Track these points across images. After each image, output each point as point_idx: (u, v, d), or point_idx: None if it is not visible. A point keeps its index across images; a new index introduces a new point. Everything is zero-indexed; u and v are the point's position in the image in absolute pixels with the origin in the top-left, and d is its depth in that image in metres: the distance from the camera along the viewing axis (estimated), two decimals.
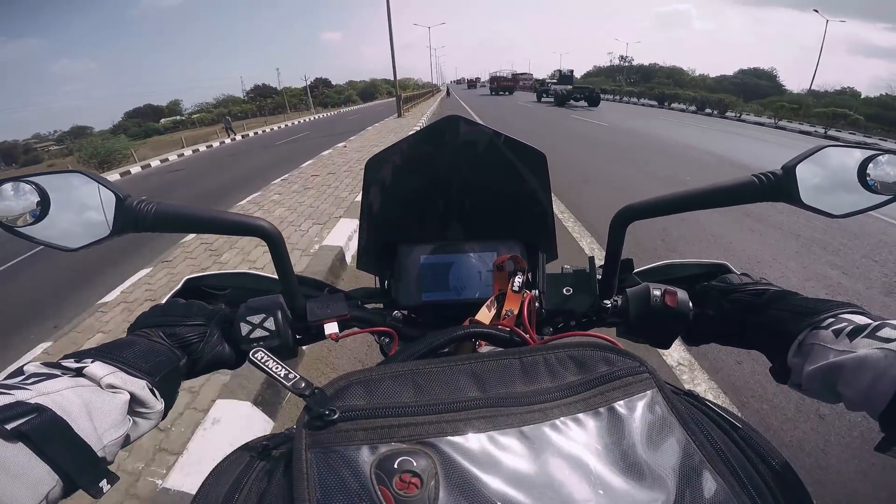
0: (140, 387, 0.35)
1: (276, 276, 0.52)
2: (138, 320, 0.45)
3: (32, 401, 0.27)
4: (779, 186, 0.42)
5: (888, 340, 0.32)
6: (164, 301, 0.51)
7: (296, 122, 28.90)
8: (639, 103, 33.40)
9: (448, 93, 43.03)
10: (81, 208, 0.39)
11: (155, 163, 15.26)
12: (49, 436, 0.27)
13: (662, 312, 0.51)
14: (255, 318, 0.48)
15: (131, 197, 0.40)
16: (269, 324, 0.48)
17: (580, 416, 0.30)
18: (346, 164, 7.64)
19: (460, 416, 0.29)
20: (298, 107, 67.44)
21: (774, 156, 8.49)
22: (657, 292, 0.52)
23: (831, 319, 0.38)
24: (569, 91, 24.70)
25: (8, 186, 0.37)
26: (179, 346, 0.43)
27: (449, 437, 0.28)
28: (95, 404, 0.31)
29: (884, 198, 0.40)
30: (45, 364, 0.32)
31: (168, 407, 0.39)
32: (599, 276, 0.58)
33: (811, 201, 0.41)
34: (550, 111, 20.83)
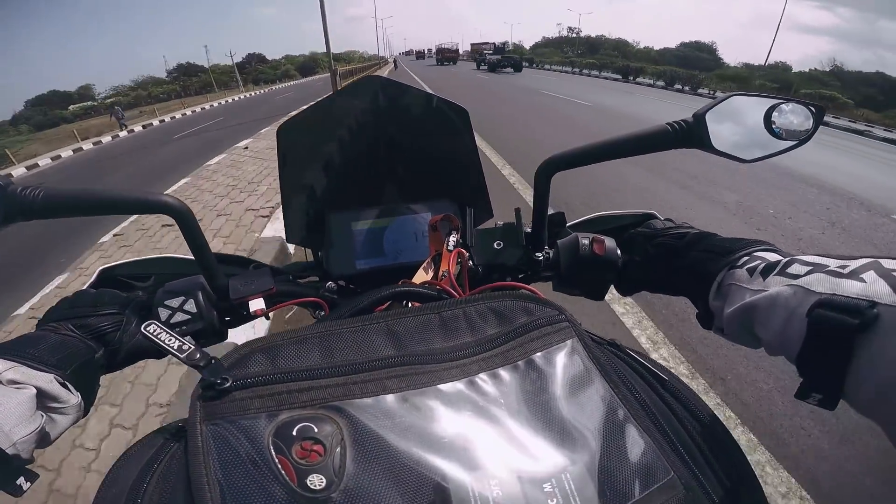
0: (47, 381, 0.33)
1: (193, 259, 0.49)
2: (46, 315, 0.42)
3: None
4: (690, 133, 0.43)
5: (796, 276, 0.31)
6: (73, 294, 0.46)
7: (215, 105, 24.92)
8: (600, 76, 30.73)
9: (395, 65, 40.86)
10: None
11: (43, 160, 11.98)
12: None
13: (591, 261, 0.51)
14: (174, 302, 0.44)
15: (14, 183, 0.37)
16: (190, 306, 0.45)
17: (500, 370, 0.29)
18: (234, 189, 4.62)
19: (371, 376, 0.28)
20: (229, 84, 61.08)
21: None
22: (585, 241, 0.52)
23: (746, 258, 0.37)
24: (498, 60, 30.54)
25: None
26: (93, 338, 0.40)
27: (357, 400, 0.27)
28: None
29: (788, 143, 0.42)
30: None
31: (88, 401, 0.37)
32: (529, 230, 0.57)
33: (722, 147, 0.42)
34: (486, 77, 24.00)
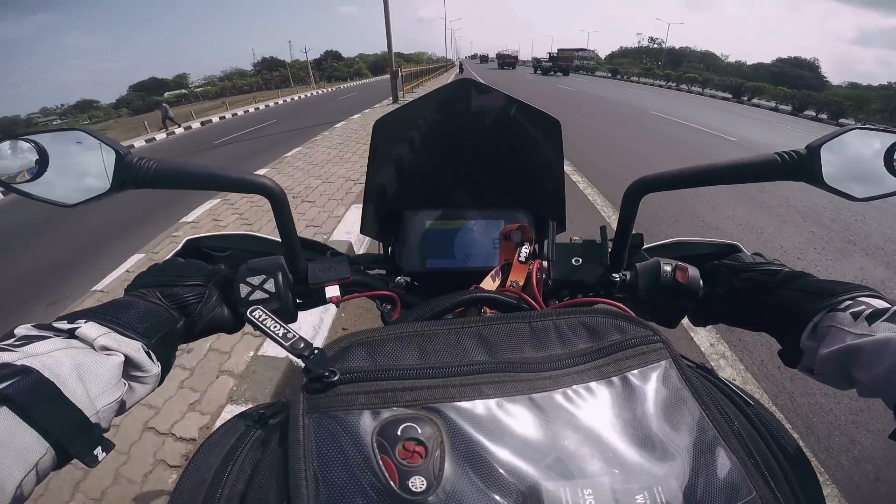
0: (135, 349, 0.33)
1: (279, 239, 0.50)
2: (135, 281, 0.43)
3: (19, 362, 0.25)
4: (802, 166, 0.40)
5: None
6: (163, 262, 0.48)
7: (279, 102, 24.60)
8: (703, 94, 25.26)
9: (461, 68, 39.63)
10: (80, 165, 0.38)
11: None
12: (36, 399, 0.25)
13: (672, 288, 0.50)
14: (255, 280, 0.46)
15: (131, 154, 0.39)
16: (269, 285, 0.45)
17: (592, 384, 0.29)
18: None
19: (468, 380, 0.28)
20: (305, 80, 63.15)
21: None
22: (668, 268, 0.50)
23: (849, 302, 0.37)
24: (550, 66, 38.20)
25: (6, 144, 0.37)
26: (177, 307, 0.41)
27: (456, 403, 0.27)
28: (88, 366, 0.29)
29: None
30: (36, 326, 0.31)
31: (165, 371, 0.38)
32: (609, 249, 0.56)
33: (833, 182, 0.40)
34: (540, 78, 30.77)
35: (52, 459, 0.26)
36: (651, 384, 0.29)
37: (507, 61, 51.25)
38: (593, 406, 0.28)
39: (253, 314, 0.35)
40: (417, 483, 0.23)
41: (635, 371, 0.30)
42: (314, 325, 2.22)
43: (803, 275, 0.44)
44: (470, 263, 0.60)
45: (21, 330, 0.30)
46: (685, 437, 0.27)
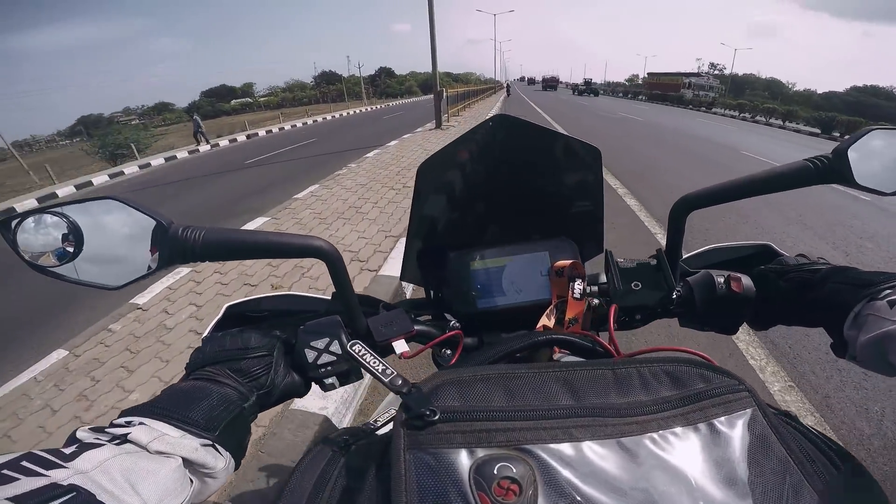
0: (192, 449, 0.31)
1: (320, 296, 0.53)
2: (196, 359, 0.42)
3: (67, 481, 0.24)
4: (832, 169, 0.43)
5: None
6: (206, 332, 0.48)
7: (327, 118, 24.52)
8: (784, 127, 20.60)
9: (508, 91, 39.34)
10: (120, 239, 0.36)
11: (99, 179, 11.17)
12: None
13: (728, 299, 0.50)
14: (319, 343, 0.45)
15: (175, 223, 0.37)
16: (335, 347, 0.45)
17: (679, 429, 0.29)
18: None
19: (558, 423, 0.29)
20: (359, 95, 65.03)
21: None
22: (720, 279, 0.51)
23: (888, 290, 0.39)
24: (583, 89, 46.91)
25: (30, 221, 0.33)
26: (248, 382, 0.40)
27: (547, 445, 0.27)
28: (142, 474, 0.28)
29: None
30: (93, 430, 0.30)
31: (238, 456, 0.37)
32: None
33: (864, 181, 0.43)
34: (575, 98, 37.91)
35: None
36: (738, 430, 0.29)
37: (549, 84, 60.21)
38: (681, 450, 0.28)
39: (353, 349, 0.40)
40: None
41: (722, 418, 0.30)
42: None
43: (846, 269, 0.46)
44: (521, 298, 0.59)
45: (80, 434, 0.29)
46: (773, 482, 0.27)
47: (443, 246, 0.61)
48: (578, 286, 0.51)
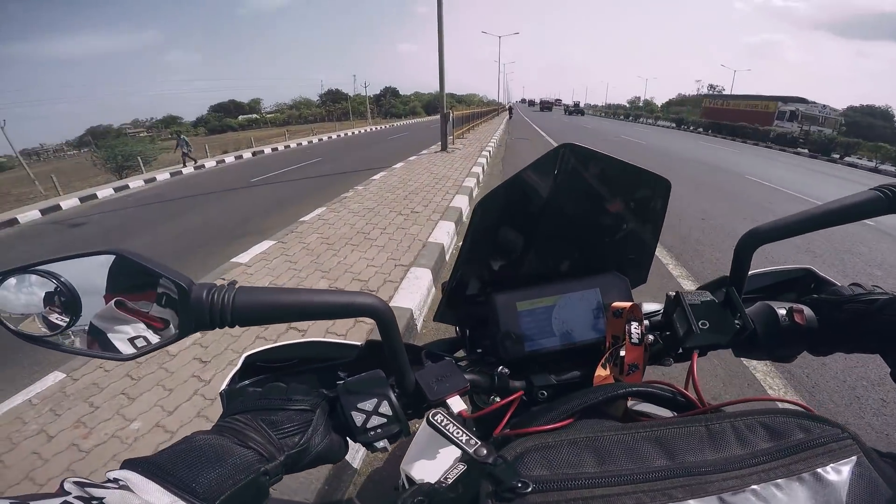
0: None
1: (349, 342, 0.51)
2: (231, 404, 0.39)
3: None
4: None
5: None
6: (225, 384, 0.44)
7: (332, 137, 24.85)
8: (784, 150, 20.14)
9: (510, 113, 39.07)
10: (127, 303, 0.31)
11: (105, 192, 11.13)
12: None
13: (791, 330, 0.50)
14: (367, 405, 0.41)
15: (195, 284, 0.31)
16: (385, 408, 0.42)
17: (781, 482, 0.28)
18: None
19: (656, 486, 0.28)
20: (364, 114, 66.16)
21: None
22: (782, 311, 0.51)
23: None
24: (572, 109, 56.80)
25: (12, 281, 0.28)
26: (281, 438, 0.36)
27: None
28: None
29: None
30: (80, 484, 0.27)
31: None
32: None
33: None
34: (565, 117, 42.73)
35: None
36: (844, 478, 0.28)
37: (545, 106, 67.52)
38: (787, 502, 0.27)
39: (435, 418, 0.38)
40: None
41: (827, 467, 0.29)
42: None
43: None
44: (569, 340, 0.56)
45: (68, 486, 0.27)
46: None
47: (486, 286, 0.58)
48: (636, 330, 0.49)
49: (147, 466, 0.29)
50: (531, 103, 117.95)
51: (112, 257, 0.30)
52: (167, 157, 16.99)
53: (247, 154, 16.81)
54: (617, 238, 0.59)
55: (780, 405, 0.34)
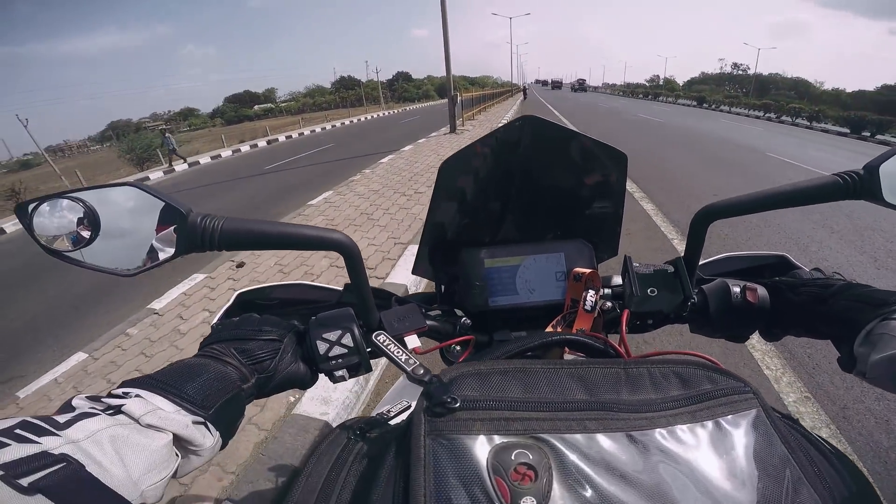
0: (184, 425, 0.31)
1: (331, 286, 0.53)
2: (210, 336, 0.43)
3: (58, 450, 0.25)
4: (862, 186, 0.43)
5: None
6: (216, 319, 0.49)
7: (345, 123, 24.96)
8: (812, 127, 19.22)
9: (525, 94, 38.47)
10: (137, 226, 0.35)
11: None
12: (71, 489, 0.24)
13: (742, 308, 0.51)
14: (331, 335, 0.45)
15: (194, 212, 0.36)
16: (347, 340, 0.45)
17: (686, 426, 0.31)
18: None
19: (572, 415, 0.30)
20: (377, 100, 65.82)
21: None
22: (736, 289, 0.52)
23: None
24: (576, 87, 69.81)
25: (46, 206, 0.33)
26: (251, 364, 0.40)
27: (562, 434, 0.29)
28: (132, 447, 0.28)
29: None
30: (90, 398, 0.30)
31: (227, 435, 0.36)
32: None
33: (893, 199, 0.43)
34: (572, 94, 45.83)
35: None
36: (742, 429, 0.31)
37: (556, 85, 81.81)
38: (689, 446, 0.29)
39: (378, 339, 0.42)
40: (528, 503, 0.25)
41: (728, 417, 0.31)
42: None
43: (858, 285, 0.46)
44: (534, 298, 0.59)
45: (76, 402, 0.29)
46: (773, 478, 0.29)
47: (457, 242, 0.61)
48: (591, 298, 0.51)
49: (150, 381, 0.33)
50: (545, 83, 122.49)
51: (129, 188, 0.35)
52: (186, 149, 17.39)
53: (262, 143, 17.03)
54: (581, 207, 0.62)
55: (694, 360, 0.36)
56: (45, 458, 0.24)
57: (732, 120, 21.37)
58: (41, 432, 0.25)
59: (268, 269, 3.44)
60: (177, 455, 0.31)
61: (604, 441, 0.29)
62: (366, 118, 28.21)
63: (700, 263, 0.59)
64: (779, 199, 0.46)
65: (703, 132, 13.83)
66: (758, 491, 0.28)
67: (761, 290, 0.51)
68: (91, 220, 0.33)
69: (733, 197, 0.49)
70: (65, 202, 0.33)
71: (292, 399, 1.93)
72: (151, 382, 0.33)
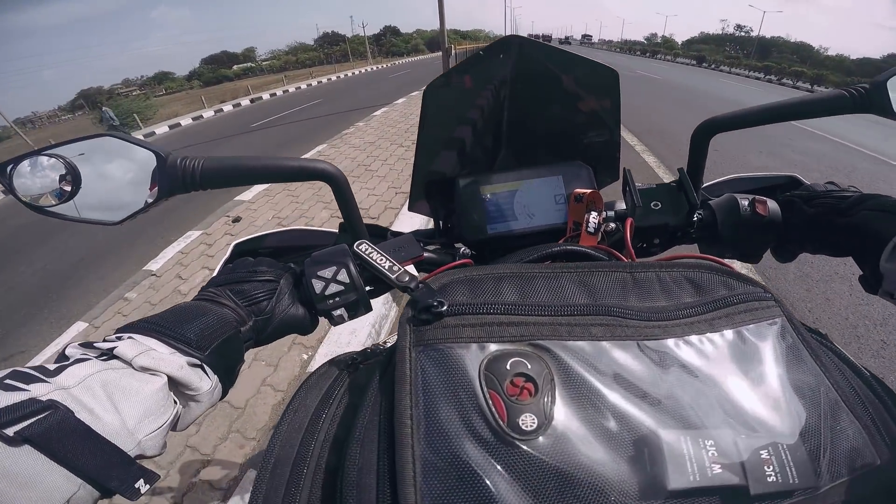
0: (177, 366, 0.29)
1: (327, 229, 0.52)
2: (209, 281, 0.41)
3: (46, 397, 0.23)
4: (870, 99, 0.42)
5: None
6: (216, 271, 0.46)
7: (332, 78, 23.66)
8: (813, 91, 20.37)
9: None
10: (118, 175, 0.36)
11: None
12: (61, 437, 0.23)
13: (753, 223, 0.48)
14: (327, 272, 0.42)
15: (173, 154, 0.36)
16: (343, 276, 0.42)
17: (703, 336, 0.27)
18: None
19: (575, 319, 0.27)
20: (364, 55, 62.67)
21: None
22: (745, 202, 0.49)
23: None
24: (562, 40, 71.91)
25: (26, 163, 0.33)
26: (247, 306, 0.38)
27: (564, 342, 0.26)
28: (125, 392, 0.26)
29: None
30: (83, 345, 0.28)
31: (228, 381, 0.34)
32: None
33: None
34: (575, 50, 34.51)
35: (91, 494, 0.24)
36: (768, 341, 0.28)
37: (545, 39, 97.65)
38: (709, 358, 0.26)
39: (360, 248, 0.39)
40: (528, 421, 0.22)
41: (750, 326, 0.28)
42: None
43: (879, 196, 0.42)
44: (534, 223, 0.56)
45: (70, 350, 0.28)
46: (807, 396, 0.26)
47: (452, 172, 0.58)
48: (594, 219, 0.49)
49: (143, 324, 0.31)
50: (537, 37, 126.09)
51: (106, 139, 0.35)
52: (165, 112, 16.50)
53: (245, 101, 16.17)
54: (577, 130, 0.59)
55: (707, 264, 0.33)
56: (32, 405, 0.22)
57: (731, 80, 20.92)
58: (30, 380, 0.23)
59: (266, 222, 3.31)
60: (175, 402, 0.29)
61: (612, 350, 0.25)
62: (353, 73, 26.90)
63: (705, 185, 0.58)
64: (783, 112, 0.45)
65: (704, 90, 13.56)
66: (790, 411, 0.24)
67: (771, 203, 0.48)
68: (71, 173, 0.34)
69: (736, 110, 0.48)
70: (43, 159, 0.33)
71: (305, 357, 1.88)
72: (145, 325, 0.31)
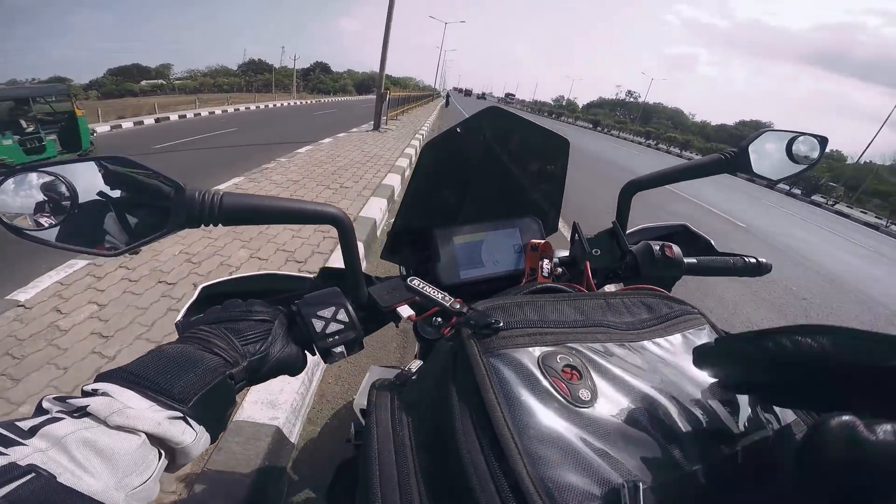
0: (155, 423, 0.28)
1: (301, 274, 0.56)
2: (195, 319, 0.41)
3: (26, 461, 0.23)
4: (738, 161, 0.57)
5: None
6: (180, 315, 0.46)
7: (250, 108, 22.75)
8: (682, 156, 24.77)
9: (447, 101, 37.62)
10: (120, 201, 0.34)
11: None
12: (46, 502, 0.22)
13: (665, 262, 0.62)
14: (326, 312, 0.45)
15: (188, 187, 0.36)
16: (342, 315, 0.45)
17: (662, 339, 0.38)
18: None
19: (584, 331, 0.36)
20: (288, 88, 61.41)
21: None
22: (657, 247, 0.63)
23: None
24: (479, 96, 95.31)
25: (10, 183, 0.30)
26: (242, 346, 0.38)
27: (585, 344, 0.34)
28: (100, 453, 0.25)
29: (802, 167, 0.57)
30: (58, 399, 0.28)
31: (217, 428, 0.34)
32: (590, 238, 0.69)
33: (759, 171, 0.57)
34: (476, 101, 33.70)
35: None
36: (703, 339, 0.39)
37: (467, 93, 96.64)
38: (671, 352, 0.37)
39: (412, 283, 0.44)
40: (585, 395, 0.30)
41: (690, 330, 0.40)
42: None
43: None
44: (497, 269, 0.65)
45: (46, 404, 0.27)
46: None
47: (428, 224, 0.65)
48: (547, 265, 0.59)
49: (122, 375, 0.30)
50: (460, 91, 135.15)
51: (111, 162, 0.33)
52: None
53: (148, 120, 14.64)
54: (531, 187, 0.72)
55: (650, 291, 0.45)
56: (13, 470, 0.22)
57: (620, 144, 24.58)
58: (7, 442, 0.23)
59: (171, 257, 2.94)
60: (160, 453, 0.29)
61: (614, 348, 0.35)
62: (274, 105, 26.00)
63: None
64: (684, 173, 0.61)
65: (599, 154, 15.71)
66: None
67: (676, 248, 0.64)
68: (66, 196, 0.31)
69: (650, 173, 0.65)
70: (34, 177, 0.30)
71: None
72: (122, 375, 0.30)
